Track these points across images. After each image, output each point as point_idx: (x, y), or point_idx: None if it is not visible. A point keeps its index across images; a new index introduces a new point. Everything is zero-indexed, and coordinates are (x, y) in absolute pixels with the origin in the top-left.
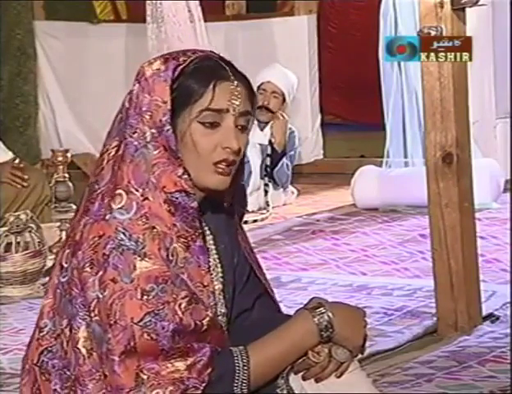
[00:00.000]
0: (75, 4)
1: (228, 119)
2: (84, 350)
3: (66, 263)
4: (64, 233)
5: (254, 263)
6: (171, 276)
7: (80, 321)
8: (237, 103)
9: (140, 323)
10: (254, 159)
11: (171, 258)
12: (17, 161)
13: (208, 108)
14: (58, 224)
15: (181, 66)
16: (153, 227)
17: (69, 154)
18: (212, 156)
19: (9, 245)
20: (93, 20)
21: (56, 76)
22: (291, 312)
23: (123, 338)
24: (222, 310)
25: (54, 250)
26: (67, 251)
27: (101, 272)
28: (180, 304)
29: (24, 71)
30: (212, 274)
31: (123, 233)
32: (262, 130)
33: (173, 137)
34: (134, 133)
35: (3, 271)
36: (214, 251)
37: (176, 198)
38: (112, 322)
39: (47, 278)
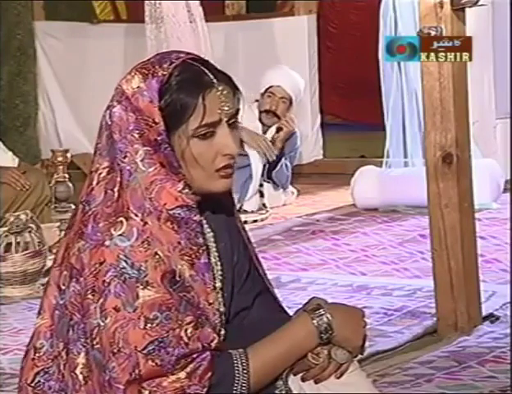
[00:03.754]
0: (75, 4)
1: (222, 126)
2: (80, 377)
3: (63, 285)
4: (64, 233)
5: (254, 258)
6: (175, 303)
7: (81, 347)
8: (226, 108)
9: (144, 351)
10: (257, 164)
11: (177, 278)
12: (17, 161)
13: (202, 125)
14: (58, 224)
15: (163, 82)
16: (156, 253)
17: (69, 154)
18: (214, 164)
19: (9, 245)
20: (93, 20)
21: (56, 76)
22: (291, 312)
23: (128, 366)
24: (221, 309)
25: (54, 250)
26: (65, 273)
27: (101, 300)
28: (185, 330)
29: (24, 71)
30: (212, 272)
31: (125, 261)
32: (264, 133)
33: (172, 153)
34: (124, 157)
35: (3, 271)
36: (214, 249)
37: (179, 213)
38: (115, 350)
39: (47, 278)
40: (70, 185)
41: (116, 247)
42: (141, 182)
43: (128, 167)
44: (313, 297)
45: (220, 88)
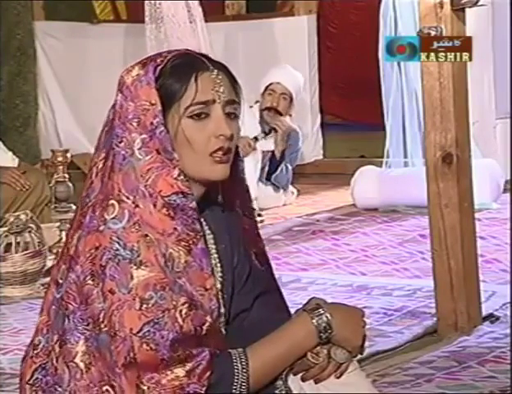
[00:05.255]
0: (75, 4)
1: (216, 108)
2: (82, 365)
3: (61, 279)
4: (64, 233)
5: (264, 262)
6: (169, 282)
7: (79, 335)
8: (221, 90)
9: (139, 334)
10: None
11: (168, 264)
12: (17, 161)
13: (194, 102)
14: (58, 224)
15: (160, 67)
16: (146, 235)
17: (69, 154)
18: (208, 147)
19: (9, 245)
20: (93, 20)
21: (56, 76)
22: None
23: (123, 349)
24: (221, 310)
25: (54, 250)
26: (63, 267)
27: (101, 284)
28: (180, 311)
29: (24, 71)
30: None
31: (118, 242)
32: (266, 132)
33: (167, 137)
34: (120, 142)
35: (3, 271)
36: (214, 251)
37: (174, 200)
38: (112, 333)
39: (47, 278)
40: (70, 185)
41: (110, 230)
42: (137, 169)
43: (123, 152)
44: (313, 297)
45: (214, 72)
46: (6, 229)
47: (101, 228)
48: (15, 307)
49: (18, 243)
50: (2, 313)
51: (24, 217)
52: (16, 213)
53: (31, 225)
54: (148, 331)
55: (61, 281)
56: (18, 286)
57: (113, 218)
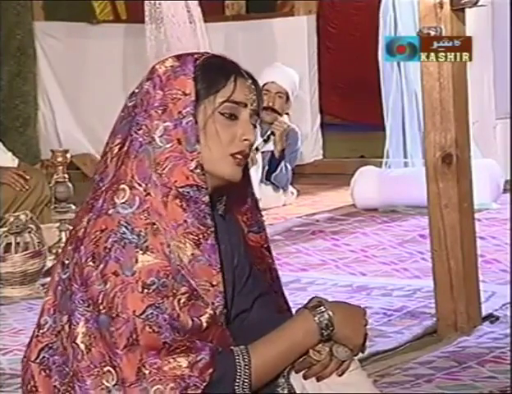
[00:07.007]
0: (75, 4)
1: (245, 113)
2: (82, 346)
3: (67, 259)
4: (63, 234)
5: (264, 263)
6: (173, 271)
7: (80, 316)
8: (254, 98)
9: (142, 316)
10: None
11: (171, 255)
12: (17, 162)
13: (230, 100)
14: (58, 225)
15: (199, 61)
16: (154, 223)
17: (68, 155)
18: (230, 147)
19: (9, 245)
20: (92, 20)
21: (56, 76)
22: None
23: (125, 331)
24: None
25: (54, 251)
26: (69, 248)
27: (102, 266)
28: (179, 300)
29: (24, 71)
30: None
31: (125, 227)
32: (265, 132)
33: (194, 127)
34: (139, 129)
35: (3, 271)
36: None
37: (188, 192)
38: (113, 315)
39: (46, 279)
40: (70, 185)
41: (118, 215)
42: (153, 156)
43: (140, 139)
44: (314, 297)
45: (249, 81)
46: (6, 229)
47: (110, 212)
48: (14, 307)
49: (18, 243)
50: (2, 314)
51: (24, 218)
52: (16, 214)
53: (31, 225)
54: (151, 313)
55: (67, 262)
56: (18, 287)
57: (123, 203)
